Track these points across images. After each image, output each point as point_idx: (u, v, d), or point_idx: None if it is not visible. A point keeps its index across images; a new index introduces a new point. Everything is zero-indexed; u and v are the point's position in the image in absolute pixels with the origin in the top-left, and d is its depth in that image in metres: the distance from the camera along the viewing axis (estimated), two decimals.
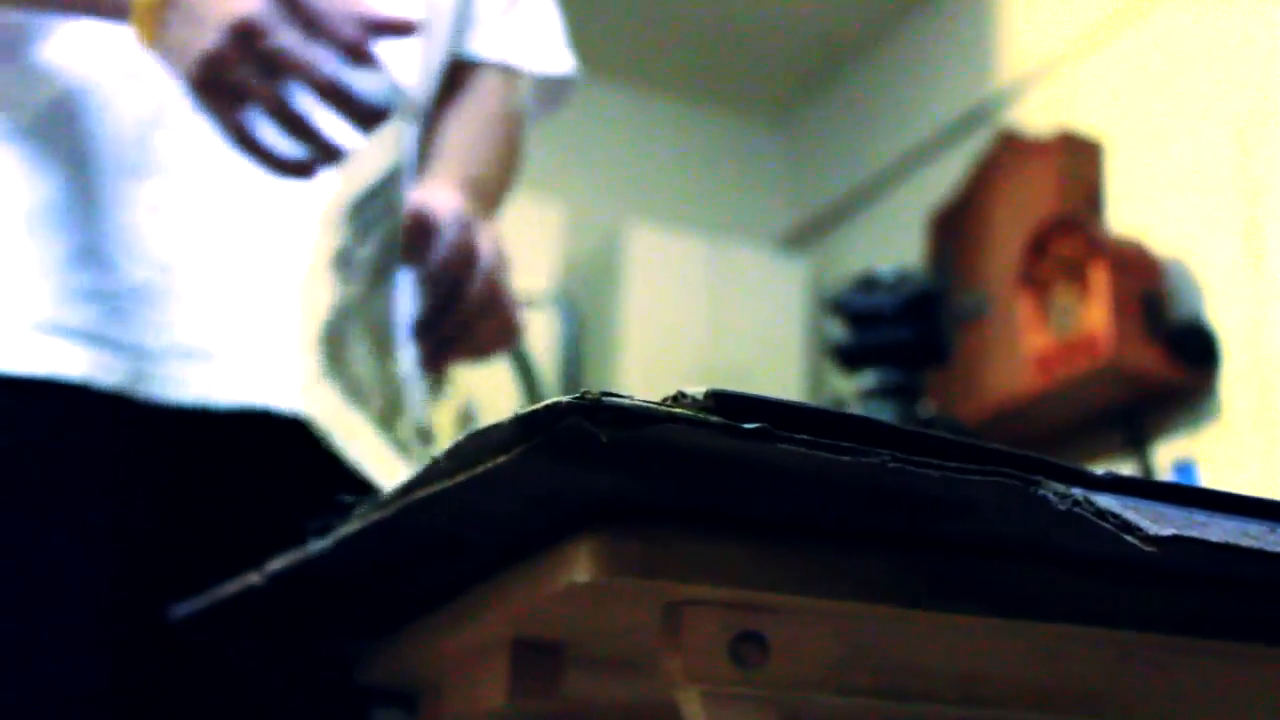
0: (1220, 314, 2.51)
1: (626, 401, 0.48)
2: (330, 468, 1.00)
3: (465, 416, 2.87)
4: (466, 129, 1.23)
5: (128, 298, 0.99)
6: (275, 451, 1.03)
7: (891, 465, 0.51)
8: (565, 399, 0.48)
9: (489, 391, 2.81)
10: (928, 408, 2.19)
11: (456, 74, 1.24)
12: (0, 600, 0.95)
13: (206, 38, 0.90)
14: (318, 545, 0.69)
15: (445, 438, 1.09)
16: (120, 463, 0.99)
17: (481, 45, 1.24)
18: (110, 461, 0.99)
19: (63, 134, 1.00)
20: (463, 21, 1.23)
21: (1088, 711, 0.64)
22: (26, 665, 0.94)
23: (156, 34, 0.93)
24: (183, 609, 0.85)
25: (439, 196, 1.10)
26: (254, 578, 0.75)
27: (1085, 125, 2.80)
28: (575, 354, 3.03)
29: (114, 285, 0.99)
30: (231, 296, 1.02)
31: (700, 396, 0.49)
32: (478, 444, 0.53)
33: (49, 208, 0.99)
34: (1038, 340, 2.57)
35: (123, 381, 0.98)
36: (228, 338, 1.00)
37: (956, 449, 0.53)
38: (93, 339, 0.98)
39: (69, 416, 0.97)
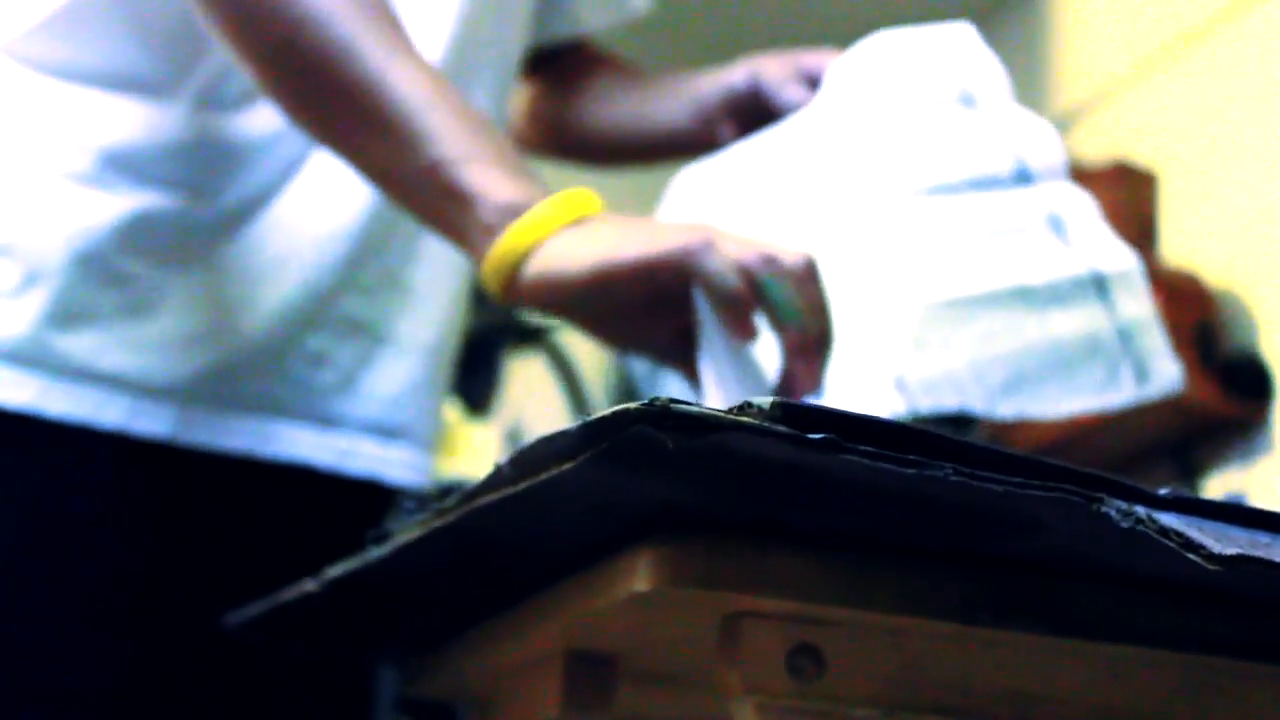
0: (1275, 347, 2.49)
1: (694, 408, 0.48)
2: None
3: (514, 435, 2.88)
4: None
5: (180, 346, 0.98)
6: (315, 509, 1.02)
7: (954, 479, 0.51)
8: (633, 405, 0.48)
9: (536, 409, 2.81)
10: (980, 438, 2.17)
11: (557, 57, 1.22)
12: (28, 642, 0.94)
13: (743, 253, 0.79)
14: (377, 552, 0.69)
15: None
16: (157, 508, 0.98)
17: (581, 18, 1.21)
18: (146, 506, 0.98)
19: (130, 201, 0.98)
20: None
21: None
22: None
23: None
24: (236, 616, 0.85)
25: None
26: (310, 584, 0.75)
27: (1139, 155, 2.78)
28: (625, 371, 3.03)
29: (166, 336, 0.97)
30: (293, 346, 1.01)
31: (766, 407, 0.49)
32: (543, 450, 0.54)
33: (105, 259, 0.97)
34: None
35: (166, 428, 0.97)
36: (285, 389, 0.99)
37: (1019, 465, 0.53)
38: (135, 387, 0.96)
39: (105, 462, 0.97)
